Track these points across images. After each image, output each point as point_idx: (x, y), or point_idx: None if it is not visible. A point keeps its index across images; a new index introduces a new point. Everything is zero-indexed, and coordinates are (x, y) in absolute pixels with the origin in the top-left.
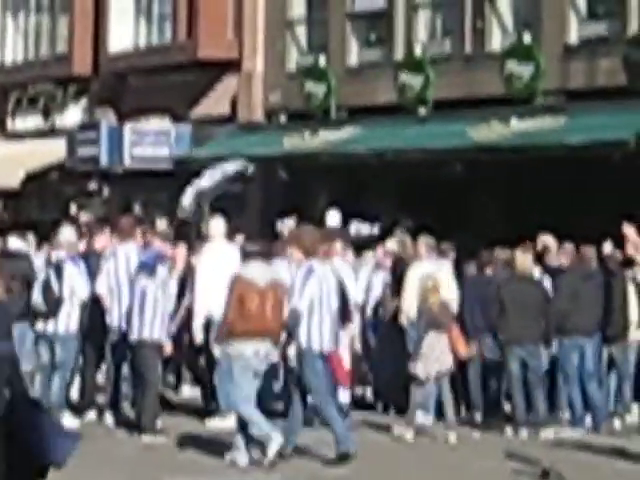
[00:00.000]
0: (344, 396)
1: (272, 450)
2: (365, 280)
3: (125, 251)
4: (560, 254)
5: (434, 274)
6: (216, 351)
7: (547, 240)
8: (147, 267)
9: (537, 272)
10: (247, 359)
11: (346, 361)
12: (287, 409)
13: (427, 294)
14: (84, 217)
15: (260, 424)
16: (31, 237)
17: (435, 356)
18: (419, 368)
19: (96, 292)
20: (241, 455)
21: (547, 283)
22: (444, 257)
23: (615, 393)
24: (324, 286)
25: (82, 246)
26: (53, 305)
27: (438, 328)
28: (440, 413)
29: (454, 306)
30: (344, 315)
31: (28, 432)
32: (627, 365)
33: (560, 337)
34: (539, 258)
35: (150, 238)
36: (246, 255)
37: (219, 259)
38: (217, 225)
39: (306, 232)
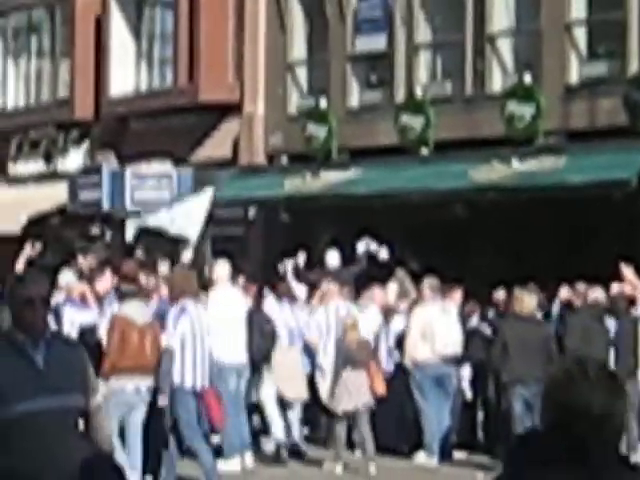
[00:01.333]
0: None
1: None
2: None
3: None
4: (571, 294)
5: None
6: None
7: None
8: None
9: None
10: (127, 395)
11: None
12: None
13: (346, 331)
14: (86, 261)
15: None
16: None
17: (352, 392)
18: (336, 404)
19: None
20: None
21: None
22: (451, 299)
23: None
24: (197, 325)
25: (82, 289)
26: None
27: (355, 365)
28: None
29: (457, 350)
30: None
31: None
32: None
33: None
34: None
35: (154, 284)
36: (123, 295)
37: (226, 303)
38: (222, 269)
39: (178, 274)
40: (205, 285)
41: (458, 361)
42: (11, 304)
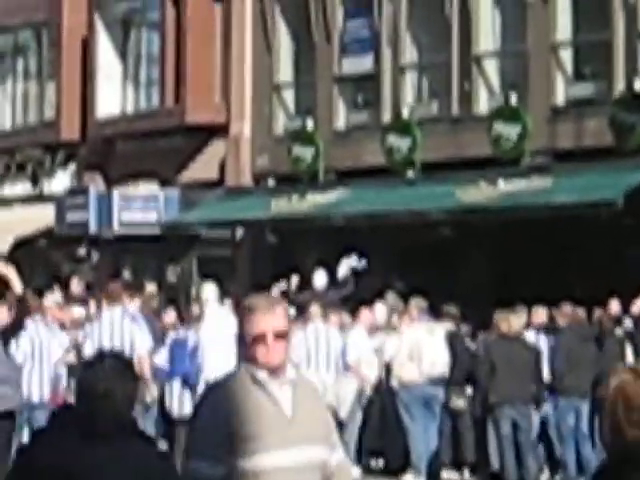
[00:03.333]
0: None
1: None
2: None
3: (111, 315)
4: (558, 315)
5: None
6: None
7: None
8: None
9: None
10: None
11: None
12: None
13: None
14: (77, 286)
15: None
16: None
17: None
18: None
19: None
20: None
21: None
22: (441, 320)
23: None
24: (36, 341)
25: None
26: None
27: None
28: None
29: (445, 369)
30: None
31: None
32: None
33: (556, 397)
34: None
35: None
36: None
37: (216, 324)
38: (210, 290)
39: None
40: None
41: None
42: (240, 338)
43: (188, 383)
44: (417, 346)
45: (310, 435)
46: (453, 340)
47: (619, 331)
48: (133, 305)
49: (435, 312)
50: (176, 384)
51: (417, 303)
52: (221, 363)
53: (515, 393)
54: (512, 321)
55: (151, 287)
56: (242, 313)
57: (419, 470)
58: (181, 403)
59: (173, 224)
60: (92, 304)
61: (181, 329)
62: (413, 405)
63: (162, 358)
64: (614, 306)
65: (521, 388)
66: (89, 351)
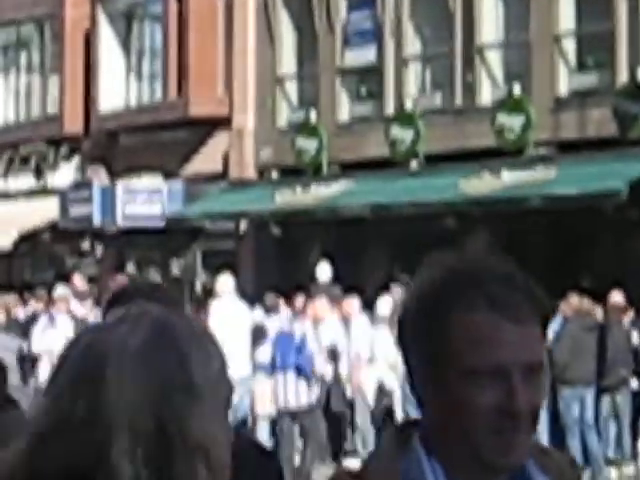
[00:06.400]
0: None
1: None
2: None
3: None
4: (564, 305)
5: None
6: None
7: None
8: None
9: None
10: None
11: None
12: None
13: None
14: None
15: None
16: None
17: None
18: None
19: None
20: None
21: None
22: None
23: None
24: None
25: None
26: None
27: None
28: None
29: None
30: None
31: None
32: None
33: (561, 387)
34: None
35: None
36: None
37: (230, 315)
38: (226, 282)
39: None
40: (197, 298)
41: None
42: None
43: None
44: None
45: None
46: None
47: (624, 321)
48: None
49: None
50: None
51: None
52: (231, 354)
53: None
54: None
55: (157, 279)
56: None
57: None
58: None
59: (177, 217)
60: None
61: None
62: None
63: None
64: (619, 297)
65: None
66: None
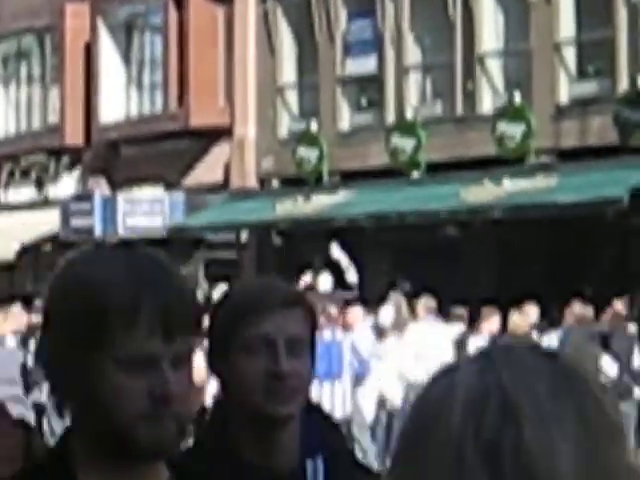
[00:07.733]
0: None
1: None
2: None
3: None
4: (567, 313)
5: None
6: None
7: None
8: None
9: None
10: None
11: None
12: None
13: None
14: None
15: None
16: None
17: None
18: None
19: None
20: None
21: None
22: (453, 321)
23: None
24: None
25: None
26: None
27: None
28: None
29: None
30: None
31: None
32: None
33: None
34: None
35: None
36: None
37: None
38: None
39: None
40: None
41: None
42: None
43: None
44: (424, 345)
45: None
46: (462, 342)
47: (627, 329)
48: None
49: (441, 312)
50: None
51: (425, 303)
52: None
53: None
54: (517, 321)
55: None
56: None
57: None
58: None
59: (178, 228)
60: None
61: None
62: None
63: None
64: (621, 305)
65: None
66: None
